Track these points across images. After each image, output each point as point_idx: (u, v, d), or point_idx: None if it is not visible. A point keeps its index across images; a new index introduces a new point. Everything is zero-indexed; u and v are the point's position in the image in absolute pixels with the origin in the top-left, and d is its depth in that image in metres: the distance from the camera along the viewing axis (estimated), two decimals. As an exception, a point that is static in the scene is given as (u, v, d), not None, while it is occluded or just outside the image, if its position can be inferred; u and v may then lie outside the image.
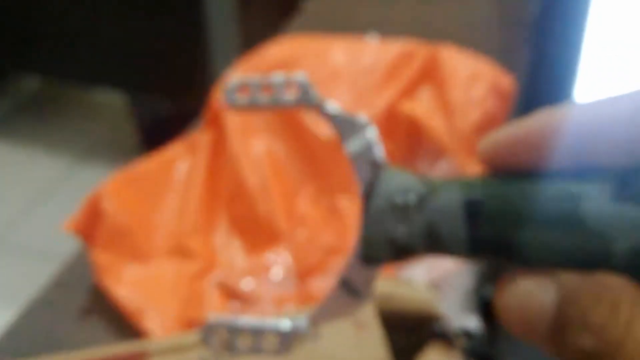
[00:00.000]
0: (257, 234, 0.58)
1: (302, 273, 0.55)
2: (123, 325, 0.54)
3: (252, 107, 0.27)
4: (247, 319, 0.26)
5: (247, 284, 0.55)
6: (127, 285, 0.56)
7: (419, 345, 0.45)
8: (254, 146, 0.60)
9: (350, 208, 0.58)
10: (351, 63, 0.62)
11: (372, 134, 0.25)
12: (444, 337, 0.47)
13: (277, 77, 0.26)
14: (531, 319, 0.22)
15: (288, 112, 0.61)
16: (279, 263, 0.56)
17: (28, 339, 0.56)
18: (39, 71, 1.98)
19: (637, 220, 0.21)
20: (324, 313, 0.25)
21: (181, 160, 0.62)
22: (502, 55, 0.62)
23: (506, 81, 0.59)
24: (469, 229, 0.23)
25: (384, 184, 0.24)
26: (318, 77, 0.62)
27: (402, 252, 0.24)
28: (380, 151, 0.25)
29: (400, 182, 0.24)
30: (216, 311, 0.54)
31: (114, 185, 0.59)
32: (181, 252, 0.58)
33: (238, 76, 0.27)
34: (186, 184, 0.61)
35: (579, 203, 0.21)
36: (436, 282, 0.53)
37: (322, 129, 0.59)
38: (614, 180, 0.21)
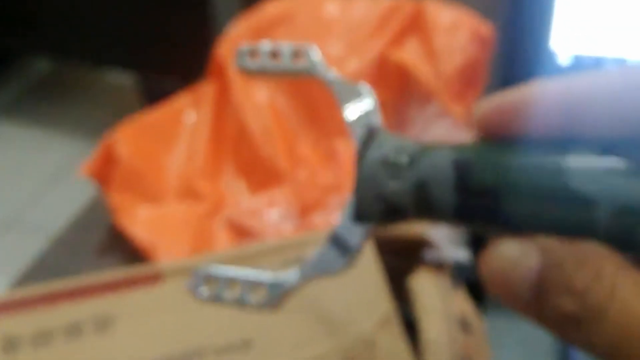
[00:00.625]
0: (261, 175, 0.59)
1: (303, 210, 0.56)
2: (138, 261, 0.55)
3: (261, 72, 0.27)
4: (237, 271, 0.25)
5: (252, 221, 0.56)
6: (141, 223, 0.57)
7: (410, 269, 0.45)
8: (256, 95, 0.61)
9: (347, 150, 0.59)
10: (344, 16, 0.63)
11: (371, 100, 0.25)
12: (435, 264, 0.47)
13: (286, 45, 0.26)
14: (514, 283, 0.21)
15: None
16: (281, 201, 0.56)
17: (49, 274, 0.56)
18: (49, 53, 1.93)
19: (619, 185, 0.20)
20: (315, 269, 0.25)
21: (188, 110, 0.63)
22: (482, 6, 0.62)
23: (486, 29, 0.60)
24: (457, 189, 0.22)
25: (378, 144, 0.24)
26: (313, 30, 0.63)
27: (392, 211, 0.23)
28: (377, 116, 0.25)
29: (393, 142, 0.24)
30: (224, 246, 0.55)
31: (126, 132, 0.60)
32: (191, 193, 0.59)
33: (250, 42, 0.28)
34: (193, 131, 0.62)
35: (565, 170, 0.21)
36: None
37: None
38: (599, 148, 0.21)
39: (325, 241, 0.25)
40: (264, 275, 0.25)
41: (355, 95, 0.25)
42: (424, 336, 0.35)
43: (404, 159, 0.23)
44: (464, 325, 0.41)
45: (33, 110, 2.03)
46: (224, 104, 0.62)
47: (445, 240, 0.52)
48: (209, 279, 0.25)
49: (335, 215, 0.55)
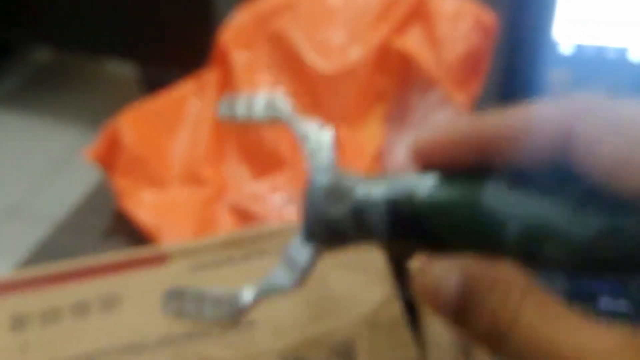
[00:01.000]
0: (263, 161, 0.60)
1: (305, 194, 0.56)
2: (143, 244, 0.56)
3: (232, 119, 0.31)
4: (203, 289, 0.28)
5: (255, 206, 0.56)
6: (145, 207, 0.58)
7: (411, 253, 0.46)
8: (259, 82, 0.62)
9: (347, 136, 0.59)
10: (347, 4, 0.63)
11: (329, 139, 0.29)
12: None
13: (260, 97, 0.31)
14: (440, 300, 0.24)
15: (291, 51, 0.62)
16: (284, 186, 0.57)
17: (54, 257, 0.57)
18: (50, 43, 1.92)
19: (524, 207, 0.23)
20: (268, 287, 0.27)
21: (192, 96, 0.64)
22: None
23: (489, 18, 0.60)
24: (388, 214, 0.25)
25: (325, 175, 0.27)
26: (316, 18, 0.63)
27: (335, 233, 0.26)
28: (332, 153, 0.28)
29: (339, 174, 0.27)
30: (227, 230, 0.55)
31: (130, 118, 0.61)
32: (194, 179, 0.60)
33: (230, 95, 0.33)
34: (197, 118, 0.63)
35: (479, 195, 0.24)
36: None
37: (322, 66, 0.60)
38: (509, 177, 0.24)
39: (278, 261, 0.27)
40: (224, 293, 0.27)
41: (317, 134, 0.29)
42: (424, 318, 0.36)
43: (344, 187, 0.26)
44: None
45: (34, 100, 2.03)
46: (227, 91, 0.63)
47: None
48: (179, 296, 0.28)
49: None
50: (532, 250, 0.23)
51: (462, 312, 0.23)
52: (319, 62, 0.61)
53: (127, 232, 0.58)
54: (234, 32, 0.64)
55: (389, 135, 0.60)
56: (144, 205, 0.58)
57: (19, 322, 0.35)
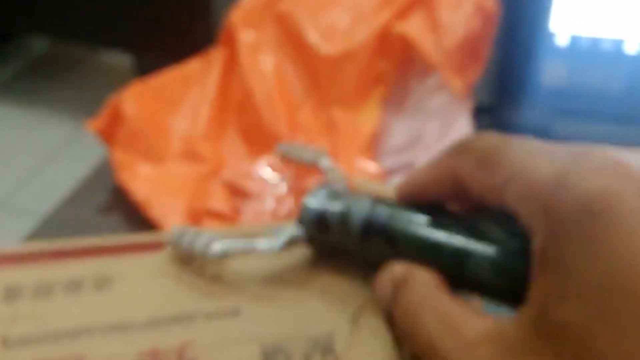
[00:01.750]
0: (262, 140, 0.60)
1: (298, 173, 0.57)
2: (140, 218, 0.57)
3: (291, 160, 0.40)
4: (198, 229, 0.34)
5: (248, 182, 0.57)
6: (141, 180, 0.58)
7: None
8: (263, 62, 0.62)
9: (343, 117, 0.59)
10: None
11: (342, 177, 0.36)
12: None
13: (309, 151, 0.39)
14: (382, 298, 0.30)
15: (294, 32, 0.62)
16: (277, 164, 0.58)
17: (57, 231, 0.58)
18: (46, 32, 1.89)
19: (453, 232, 0.29)
20: (249, 245, 0.33)
21: (197, 74, 0.63)
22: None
23: (490, 3, 0.60)
24: (367, 218, 0.31)
25: (332, 185, 0.34)
26: (321, 1, 0.63)
27: (323, 220, 0.32)
28: (345, 184, 0.35)
29: (343, 187, 0.34)
30: (220, 206, 0.56)
31: (135, 92, 0.61)
32: (192, 156, 0.60)
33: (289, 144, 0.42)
34: (200, 95, 0.62)
35: (422, 224, 0.30)
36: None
37: (325, 48, 0.61)
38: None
39: (272, 228, 0.33)
40: (214, 234, 0.33)
41: (340, 176, 0.36)
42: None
43: (344, 192, 0.33)
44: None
45: (30, 89, 2.00)
46: (231, 70, 0.63)
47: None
48: (182, 230, 0.34)
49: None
50: (460, 265, 0.28)
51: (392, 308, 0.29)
52: (322, 44, 0.60)
53: (126, 207, 0.58)
54: (243, 12, 0.63)
55: (386, 119, 0.61)
56: (140, 179, 0.58)
57: (11, 293, 0.35)
